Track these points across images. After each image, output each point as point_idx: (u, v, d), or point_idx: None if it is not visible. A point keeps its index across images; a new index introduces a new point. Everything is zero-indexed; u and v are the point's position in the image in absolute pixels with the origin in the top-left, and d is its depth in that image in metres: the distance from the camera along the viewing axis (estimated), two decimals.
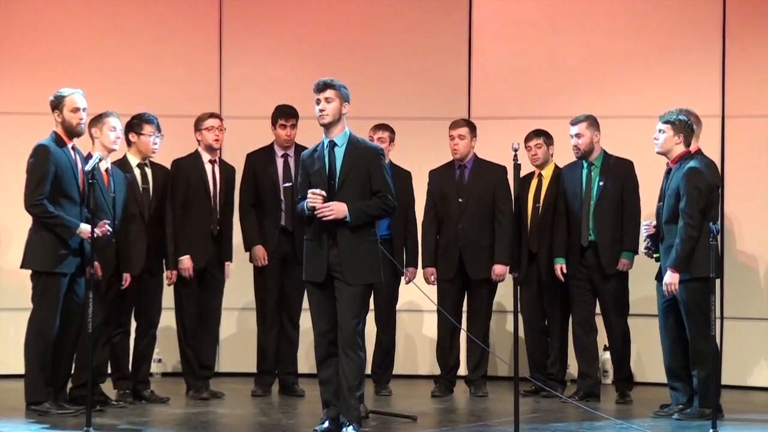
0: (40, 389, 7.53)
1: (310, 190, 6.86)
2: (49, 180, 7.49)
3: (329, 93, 6.93)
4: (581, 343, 8.69)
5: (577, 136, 8.59)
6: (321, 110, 6.92)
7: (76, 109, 7.63)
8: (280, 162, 8.83)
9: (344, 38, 10.17)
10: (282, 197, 8.77)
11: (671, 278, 7.65)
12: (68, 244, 7.52)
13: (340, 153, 6.94)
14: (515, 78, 10.03)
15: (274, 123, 8.86)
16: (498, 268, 8.78)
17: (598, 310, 8.73)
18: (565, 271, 8.65)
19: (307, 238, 6.99)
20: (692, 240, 7.59)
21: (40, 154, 7.55)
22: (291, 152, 8.84)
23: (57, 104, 7.65)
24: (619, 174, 8.58)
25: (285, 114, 8.82)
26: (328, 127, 6.95)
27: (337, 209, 6.82)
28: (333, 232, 6.86)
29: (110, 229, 7.69)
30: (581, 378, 8.70)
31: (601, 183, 8.56)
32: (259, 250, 8.74)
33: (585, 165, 8.63)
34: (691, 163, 7.76)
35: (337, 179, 6.90)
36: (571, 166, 8.76)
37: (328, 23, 10.19)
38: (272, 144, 8.90)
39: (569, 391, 8.81)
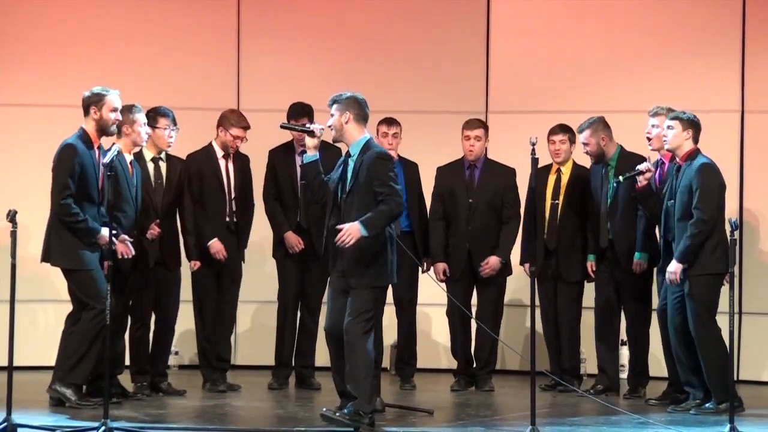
0: (84, 375, 7.57)
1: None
2: (75, 179, 7.47)
3: (332, 109, 7.08)
4: (601, 338, 8.68)
5: (584, 144, 8.57)
6: (329, 126, 7.10)
7: (114, 110, 7.61)
8: (298, 160, 8.80)
9: (362, 32, 10.16)
10: (299, 195, 8.78)
11: (675, 268, 7.65)
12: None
13: (351, 163, 7.04)
14: (533, 72, 10.01)
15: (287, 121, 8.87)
16: (493, 260, 8.72)
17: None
18: (594, 268, 8.64)
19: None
20: (702, 234, 7.59)
21: (66, 153, 7.51)
22: None
23: (97, 101, 7.58)
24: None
25: (295, 113, 8.76)
26: (338, 140, 7.15)
27: (353, 232, 6.82)
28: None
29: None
30: (599, 372, 8.69)
31: (615, 182, 8.53)
32: (291, 237, 8.73)
33: (602, 166, 8.61)
34: (703, 160, 7.75)
35: (347, 190, 7.00)
36: (593, 168, 8.72)
37: (345, 17, 10.18)
38: (292, 141, 8.90)
39: (587, 385, 8.80)
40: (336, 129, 7.06)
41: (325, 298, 9.02)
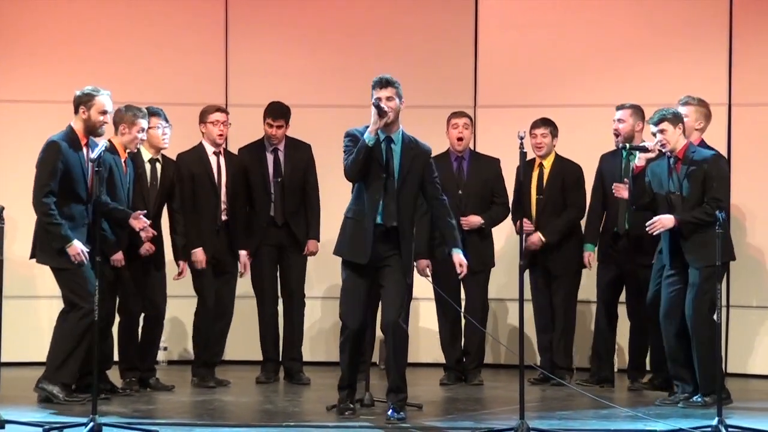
0: (72, 374, 7.56)
1: None
2: (57, 178, 7.44)
3: (390, 91, 7.03)
4: (600, 329, 8.70)
5: (619, 120, 8.55)
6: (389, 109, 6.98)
7: (104, 112, 7.58)
8: (270, 157, 8.80)
9: (350, 26, 10.15)
10: (272, 192, 8.76)
11: (668, 221, 7.67)
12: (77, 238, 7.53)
13: (397, 150, 7.06)
14: (521, 67, 10.00)
15: (264, 118, 8.83)
16: (474, 218, 8.73)
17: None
18: (593, 259, 8.62)
19: (351, 218, 7.09)
20: (712, 218, 7.57)
21: (49, 151, 7.49)
22: (281, 146, 8.83)
23: (86, 102, 7.55)
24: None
25: (273, 114, 8.77)
26: (388, 123, 7.02)
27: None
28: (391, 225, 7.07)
29: (147, 222, 7.75)
30: (597, 363, 8.71)
31: (624, 151, 8.46)
32: (243, 257, 8.72)
33: (624, 153, 8.57)
34: (710, 151, 7.82)
35: (396, 178, 7.03)
36: (612, 154, 8.70)
37: (333, 13, 10.17)
38: (263, 138, 8.87)
39: (580, 377, 8.82)
40: (395, 113, 7.04)
41: (320, 293, 9.08)
